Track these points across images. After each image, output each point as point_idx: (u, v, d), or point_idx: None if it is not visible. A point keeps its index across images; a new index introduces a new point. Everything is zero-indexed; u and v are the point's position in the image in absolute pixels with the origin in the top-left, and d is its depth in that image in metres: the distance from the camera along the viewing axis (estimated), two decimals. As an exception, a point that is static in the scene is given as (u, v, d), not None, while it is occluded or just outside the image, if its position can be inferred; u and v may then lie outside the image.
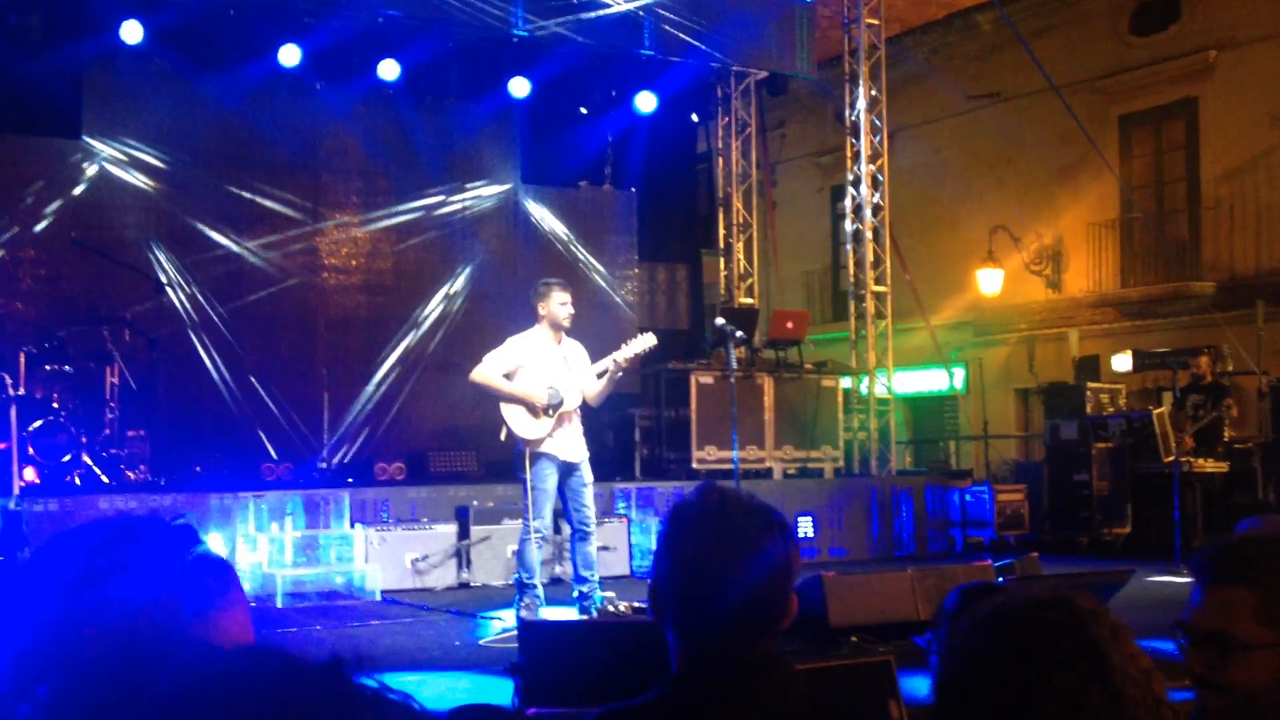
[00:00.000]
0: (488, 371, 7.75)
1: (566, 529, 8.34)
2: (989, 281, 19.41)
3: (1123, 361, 14.53)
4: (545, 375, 7.73)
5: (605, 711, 2.06)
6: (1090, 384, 14.04)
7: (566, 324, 7.82)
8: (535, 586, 7.72)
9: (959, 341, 20.11)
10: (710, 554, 2.04)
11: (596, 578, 7.89)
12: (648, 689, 2.07)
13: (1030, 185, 19.72)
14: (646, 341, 7.89)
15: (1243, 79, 17.50)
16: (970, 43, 20.69)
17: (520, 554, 7.81)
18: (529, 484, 7.64)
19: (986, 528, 13.21)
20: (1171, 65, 18.32)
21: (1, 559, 7.88)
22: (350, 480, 11.42)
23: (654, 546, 2.41)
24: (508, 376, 7.73)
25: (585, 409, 7.97)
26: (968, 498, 13.41)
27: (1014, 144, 19.66)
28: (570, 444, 7.79)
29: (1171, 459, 11.53)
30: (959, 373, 19.83)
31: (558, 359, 7.81)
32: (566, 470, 7.79)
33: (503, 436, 7.81)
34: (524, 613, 7.59)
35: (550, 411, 7.65)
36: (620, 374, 7.88)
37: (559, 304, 7.75)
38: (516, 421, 7.67)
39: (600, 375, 7.81)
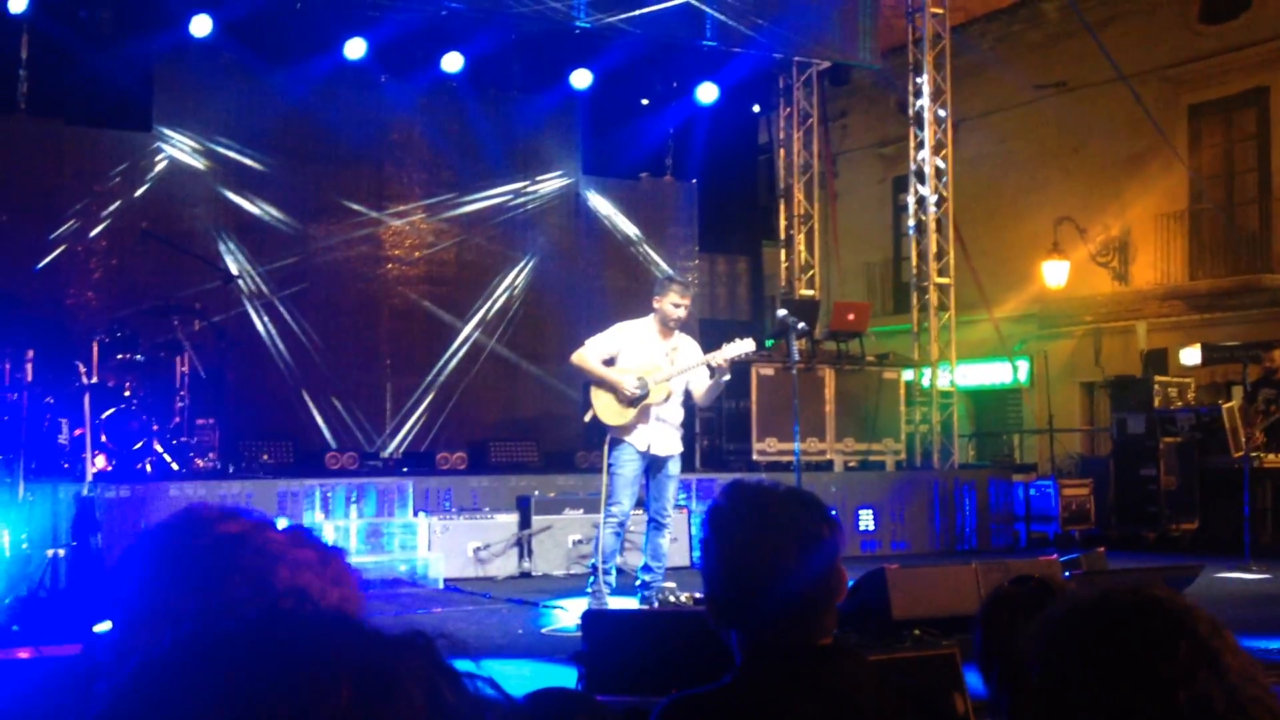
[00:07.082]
0: (586, 354, 7.87)
1: (634, 523, 8.37)
2: (1054, 273, 19.16)
3: (1191, 355, 14.30)
4: (644, 366, 7.79)
5: (675, 699, 2.07)
6: (1158, 377, 13.82)
7: (675, 324, 7.87)
8: (607, 574, 7.77)
9: (1023, 334, 19.88)
10: (756, 549, 2.07)
11: (662, 569, 7.92)
12: (710, 679, 2.08)
13: (1097, 176, 19.43)
14: (745, 346, 7.84)
15: (1317, 67, 17.15)
16: (1036, 31, 20.42)
17: (596, 538, 7.90)
18: (607, 468, 7.77)
19: (1051, 522, 13.05)
20: (1242, 54, 17.97)
21: (76, 544, 8.04)
22: (418, 469, 11.50)
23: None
24: (608, 362, 7.83)
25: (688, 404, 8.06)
26: (1032, 492, 13.26)
27: (1081, 134, 19.38)
28: (659, 438, 7.82)
29: (1241, 454, 11.34)
30: (1023, 365, 19.60)
31: (661, 352, 7.85)
32: (653, 463, 7.84)
33: (586, 418, 7.97)
34: (590, 600, 7.64)
35: (634, 403, 7.72)
36: (726, 376, 7.86)
37: (672, 304, 7.79)
38: (602, 406, 7.76)
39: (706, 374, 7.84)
